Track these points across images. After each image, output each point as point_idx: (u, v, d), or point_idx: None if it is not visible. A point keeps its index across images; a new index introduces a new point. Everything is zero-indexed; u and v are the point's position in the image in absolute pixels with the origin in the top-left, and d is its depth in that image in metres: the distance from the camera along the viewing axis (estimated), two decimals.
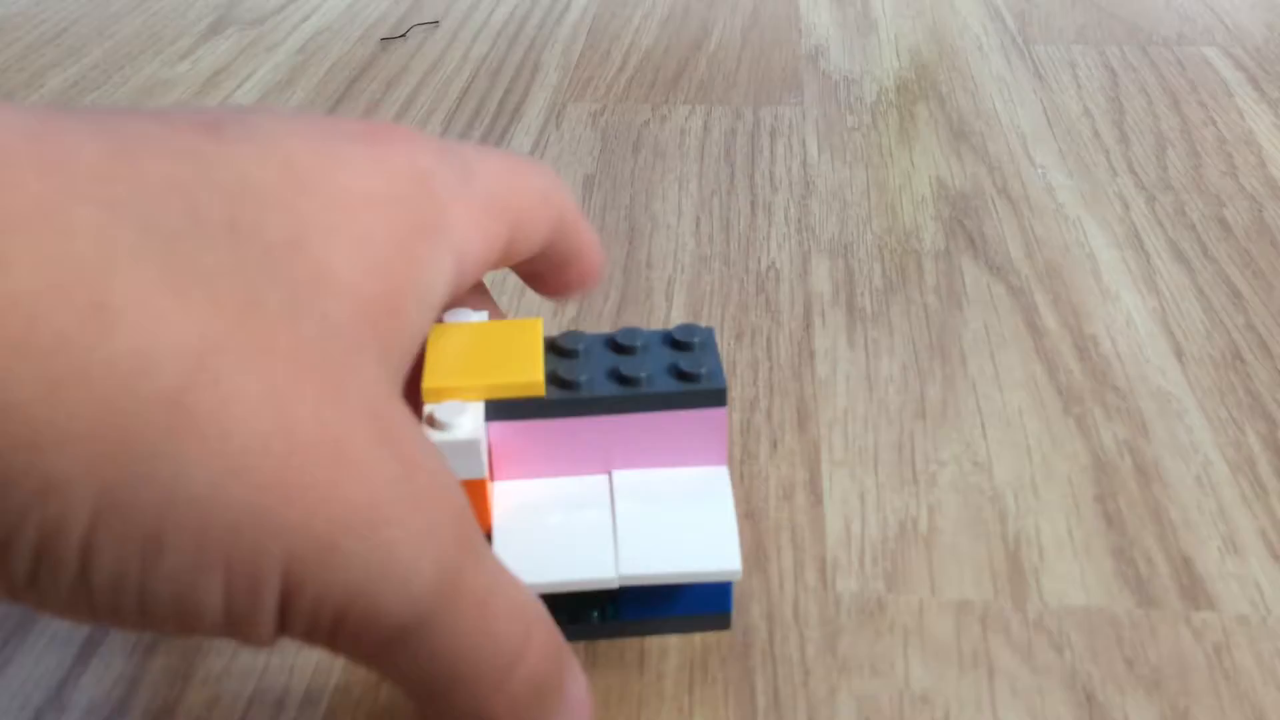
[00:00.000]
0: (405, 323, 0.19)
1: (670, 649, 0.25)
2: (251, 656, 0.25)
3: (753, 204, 0.43)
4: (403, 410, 0.18)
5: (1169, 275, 0.38)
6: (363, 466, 0.16)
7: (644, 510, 0.23)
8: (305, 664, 0.25)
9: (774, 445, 0.31)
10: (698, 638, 0.25)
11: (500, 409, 0.23)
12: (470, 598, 0.17)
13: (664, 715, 0.23)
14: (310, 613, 0.16)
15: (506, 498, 0.24)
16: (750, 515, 0.28)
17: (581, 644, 0.25)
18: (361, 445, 0.16)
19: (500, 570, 0.19)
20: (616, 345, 0.24)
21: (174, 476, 0.15)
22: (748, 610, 0.26)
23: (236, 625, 0.16)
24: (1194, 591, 0.26)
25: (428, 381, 0.22)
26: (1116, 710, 0.23)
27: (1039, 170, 0.45)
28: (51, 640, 0.25)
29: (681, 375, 0.23)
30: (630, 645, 0.25)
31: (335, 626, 0.17)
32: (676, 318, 0.36)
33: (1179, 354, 0.34)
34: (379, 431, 0.17)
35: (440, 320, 0.23)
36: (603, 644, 0.25)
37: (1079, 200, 0.42)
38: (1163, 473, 0.29)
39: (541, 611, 0.19)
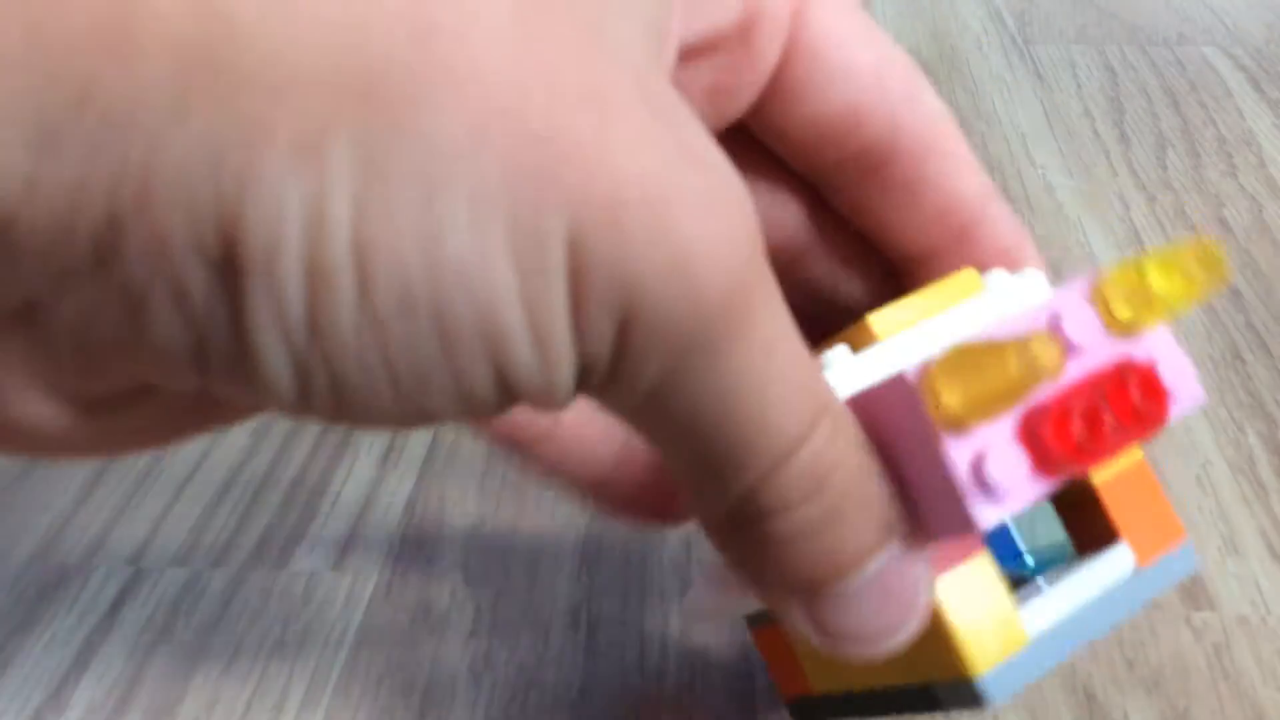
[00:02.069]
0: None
1: (670, 649, 0.25)
2: (252, 656, 0.25)
3: None
4: (674, 92, 0.14)
5: None
6: (639, 133, 0.13)
7: None
8: (305, 664, 0.25)
9: None
10: (699, 637, 0.25)
11: None
12: (758, 337, 0.14)
13: (664, 715, 0.23)
14: (599, 311, 0.13)
15: None
16: None
17: (581, 641, 0.25)
18: (633, 108, 0.13)
19: (790, 330, 0.15)
20: None
21: (432, 127, 0.12)
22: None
23: (541, 351, 0.13)
24: (1194, 591, 0.26)
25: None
26: (1116, 710, 0.23)
27: (1039, 170, 0.45)
28: (51, 640, 0.26)
29: None
30: (630, 644, 0.25)
31: (622, 336, 0.13)
32: None
33: None
34: (646, 99, 0.13)
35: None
36: (602, 644, 0.25)
37: (1079, 200, 0.42)
38: (1163, 473, 0.29)
39: (842, 409, 0.15)
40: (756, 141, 0.19)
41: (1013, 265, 0.19)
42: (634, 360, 0.14)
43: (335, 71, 0.11)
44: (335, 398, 0.13)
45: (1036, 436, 0.16)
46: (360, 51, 0.11)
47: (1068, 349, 0.16)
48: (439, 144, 0.12)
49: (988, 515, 0.15)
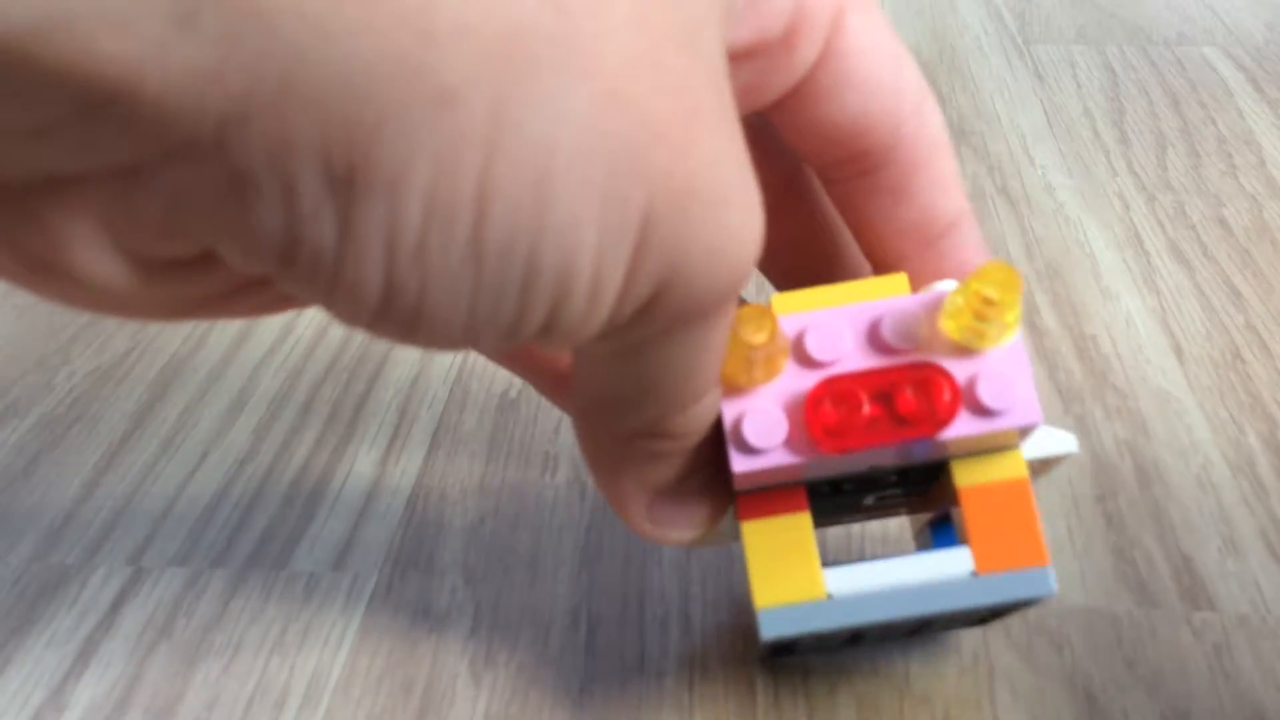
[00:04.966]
0: None
1: (670, 649, 0.25)
2: (251, 656, 0.25)
3: None
4: (732, 98, 0.15)
5: (1169, 275, 0.38)
6: (713, 136, 0.14)
7: None
8: (305, 664, 0.25)
9: None
10: (698, 637, 0.25)
11: None
12: (726, 319, 0.17)
13: (664, 714, 0.24)
14: (646, 277, 0.14)
15: None
16: None
17: (581, 641, 0.25)
18: (712, 112, 0.14)
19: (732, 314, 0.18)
20: None
21: (561, 94, 0.12)
22: (749, 610, 0.26)
23: (590, 302, 0.14)
24: (1194, 591, 0.26)
25: None
26: (1116, 710, 0.23)
27: (1039, 170, 0.45)
28: (51, 640, 0.26)
29: None
30: (630, 645, 0.25)
31: (652, 302, 0.15)
32: None
33: (1179, 354, 0.34)
34: (723, 106, 0.15)
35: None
36: (602, 644, 0.25)
37: (1079, 200, 0.42)
38: (1163, 473, 0.29)
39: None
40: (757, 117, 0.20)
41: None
42: (648, 321, 0.15)
43: (483, 25, 0.12)
44: (413, 314, 0.13)
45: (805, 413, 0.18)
46: (508, 9, 0.12)
47: (872, 343, 0.18)
48: (566, 111, 0.13)
49: (740, 464, 0.18)
